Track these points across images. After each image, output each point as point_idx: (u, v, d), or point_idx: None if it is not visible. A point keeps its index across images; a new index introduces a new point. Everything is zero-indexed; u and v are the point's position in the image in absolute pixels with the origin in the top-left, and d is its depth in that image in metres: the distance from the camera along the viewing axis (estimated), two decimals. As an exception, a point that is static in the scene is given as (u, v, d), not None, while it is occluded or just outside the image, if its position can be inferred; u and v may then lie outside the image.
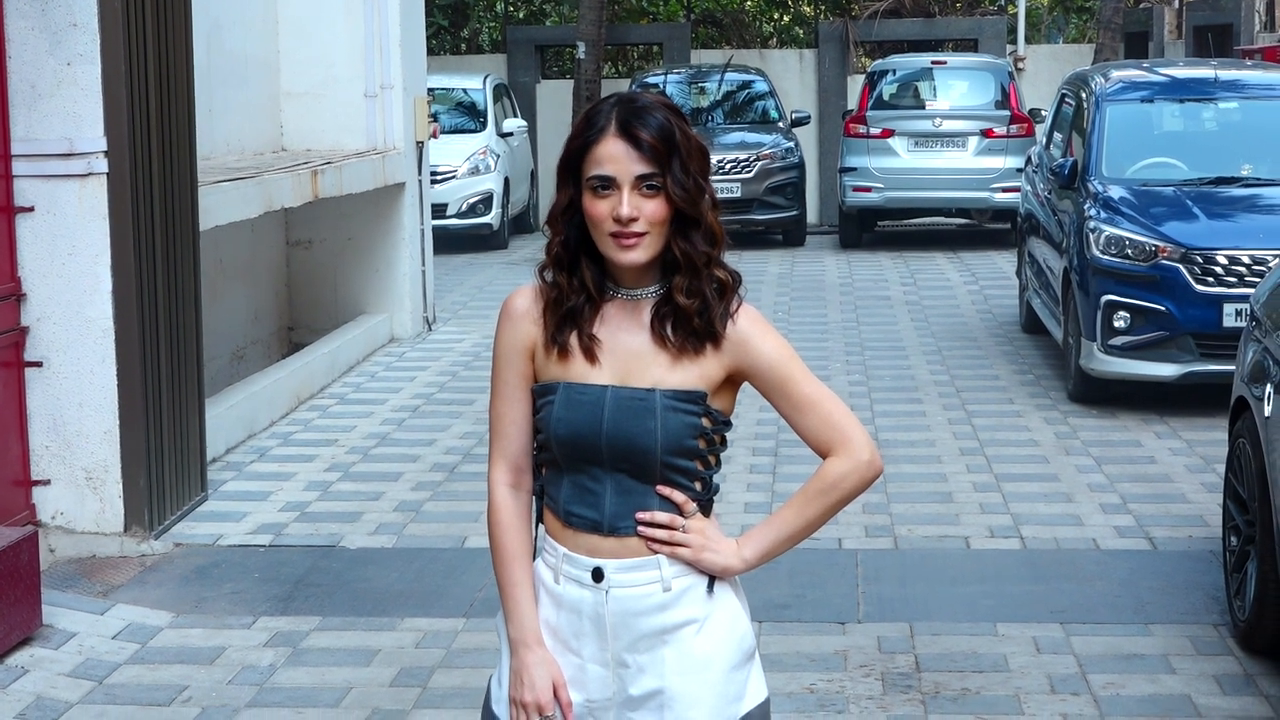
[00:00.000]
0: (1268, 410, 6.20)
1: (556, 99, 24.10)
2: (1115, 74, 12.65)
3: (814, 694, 6.03)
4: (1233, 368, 7.06)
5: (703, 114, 21.06)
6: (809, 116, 21.86)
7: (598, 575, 3.22)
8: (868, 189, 19.30)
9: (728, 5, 30.25)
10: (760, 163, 19.71)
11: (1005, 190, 18.54)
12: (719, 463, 3.28)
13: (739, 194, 19.23)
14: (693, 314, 3.18)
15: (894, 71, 20.82)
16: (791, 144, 20.38)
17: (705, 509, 3.26)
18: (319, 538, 8.04)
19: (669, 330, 3.19)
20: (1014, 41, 25.50)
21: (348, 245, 13.29)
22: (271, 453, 9.70)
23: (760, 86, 21.76)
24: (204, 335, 8.65)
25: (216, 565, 7.63)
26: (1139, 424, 10.16)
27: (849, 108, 21.55)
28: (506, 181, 20.17)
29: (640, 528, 3.20)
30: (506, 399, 3.29)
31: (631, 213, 3.12)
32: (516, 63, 24.91)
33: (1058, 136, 12.96)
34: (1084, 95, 12.20)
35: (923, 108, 20.12)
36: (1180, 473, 9.03)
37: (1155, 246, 10.23)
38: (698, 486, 3.24)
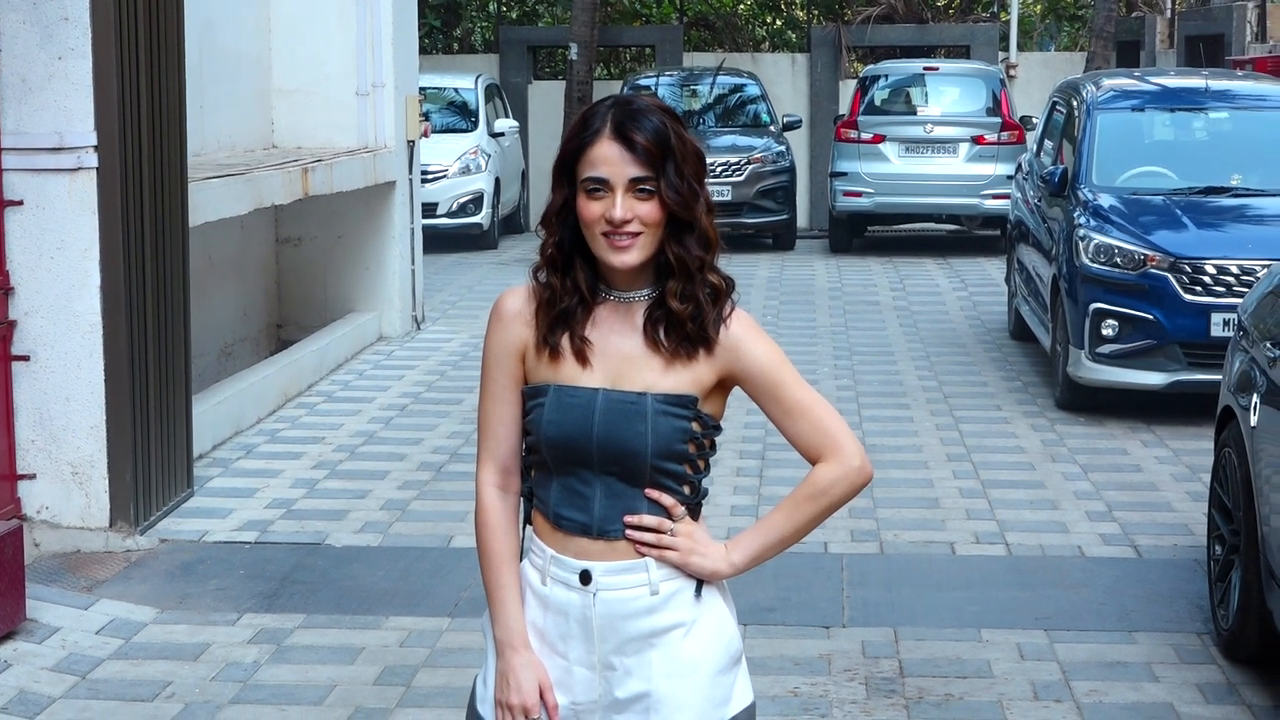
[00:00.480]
0: (1254, 420, 6.21)
1: (548, 100, 24.11)
2: (1106, 82, 12.67)
3: (798, 698, 6.04)
4: (1220, 377, 7.07)
5: (694, 117, 21.06)
6: (800, 120, 21.88)
7: (585, 578, 3.22)
8: (858, 194, 19.32)
9: (720, 8, 30.26)
10: (751, 166, 19.72)
11: (995, 197, 18.56)
12: (708, 467, 3.29)
13: (729, 197, 19.23)
14: (685, 319, 3.18)
15: (886, 77, 20.83)
16: (783, 148, 20.39)
17: (694, 513, 3.26)
18: (305, 535, 8.04)
19: (661, 334, 3.19)
20: (1006, 48, 25.53)
21: (337, 243, 13.28)
22: (258, 450, 9.69)
23: (752, 90, 21.77)
24: (192, 331, 8.64)
25: (202, 561, 7.63)
26: (1126, 432, 10.18)
27: (840, 112, 21.58)
28: (497, 181, 20.17)
29: (628, 531, 3.20)
30: (496, 400, 3.28)
31: (624, 215, 3.13)
32: (509, 63, 24.91)
33: (1048, 144, 12.98)
34: (1075, 103, 12.21)
35: (914, 113, 20.14)
36: (1166, 481, 9.05)
37: (1144, 255, 10.25)
38: (686, 490, 3.24)
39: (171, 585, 7.30)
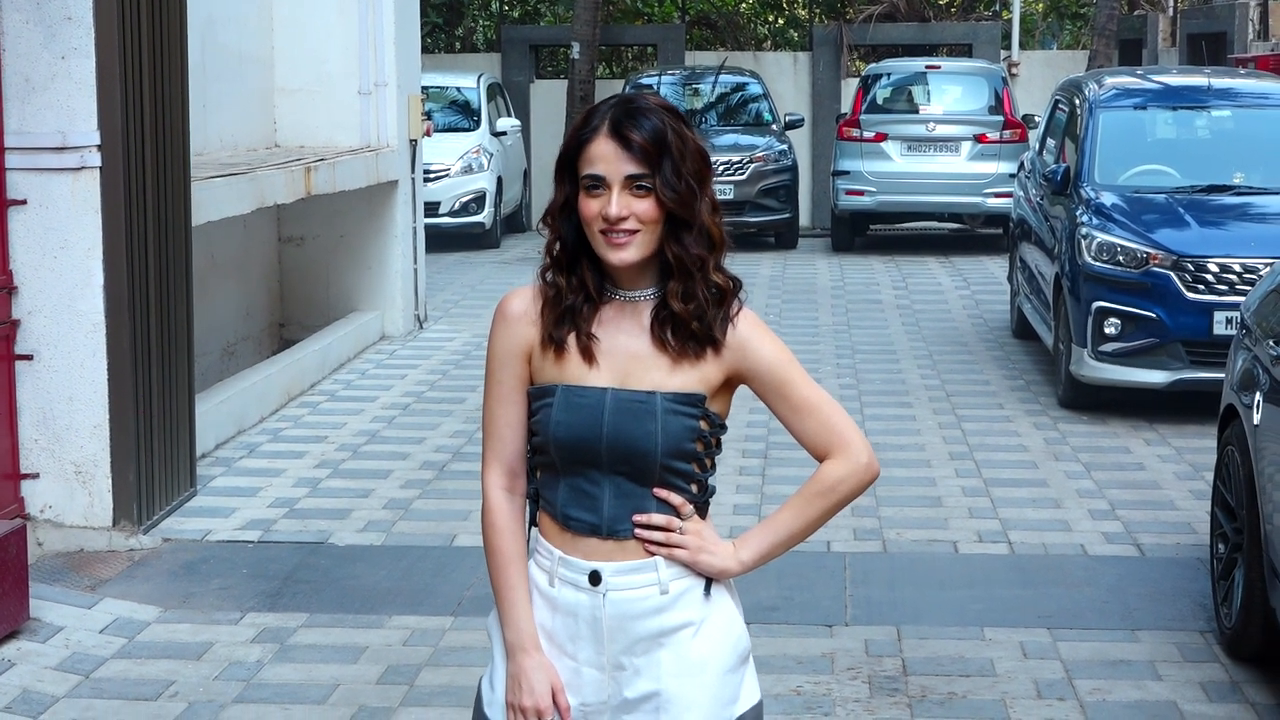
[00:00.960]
0: (1257, 418, 6.21)
1: (550, 99, 24.11)
2: (1109, 81, 12.67)
3: (801, 696, 6.04)
4: (1222, 375, 7.07)
5: (696, 116, 21.05)
6: (802, 119, 21.87)
7: (595, 578, 3.21)
8: (860, 192, 19.32)
9: (722, 7, 30.26)
10: (753, 165, 19.72)
11: (998, 195, 18.56)
12: (714, 465, 3.29)
13: (732, 196, 19.23)
14: (689, 319, 3.18)
15: (888, 75, 20.83)
16: (785, 146, 20.39)
17: (701, 511, 3.26)
18: (308, 534, 8.04)
19: (669, 335, 3.19)
20: (1008, 47, 25.52)
21: (340, 242, 13.29)
22: (261, 449, 9.69)
23: (754, 89, 21.77)
24: (195, 330, 8.64)
25: (205, 561, 7.63)
26: (1128, 430, 10.18)
27: (843, 111, 21.56)
28: (499, 180, 20.18)
29: (637, 530, 3.20)
30: (501, 401, 3.28)
31: (620, 212, 3.13)
32: (511, 62, 24.90)
33: (1051, 142, 12.97)
34: (1077, 101, 12.21)
35: (916, 112, 20.14)
36: (1169, 480, 9.05)
37: (1147, 253, 10.25)
38: (694, 489, 3.24)
39: (174, 584, 7.30)
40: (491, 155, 20.06)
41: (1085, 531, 8.10)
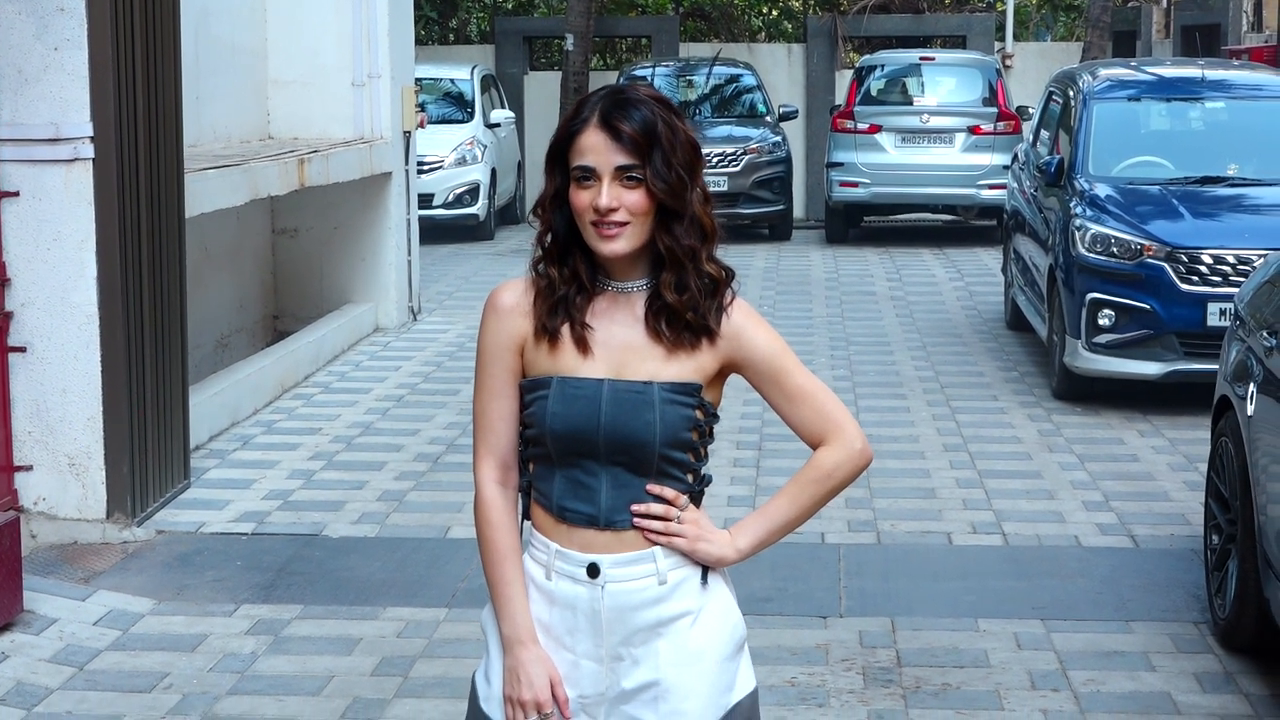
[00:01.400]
0: (1250, 409, 6.21)
1: (544, 90, 24.09)
2: (1103, 72, 12.67)
3: (795, 687, 6.04)
4: (1216, 367, 7.08)
5: (690, 107, 21.04)
6: (797, 111, 21.86)
7: (593, 571, 3.21)
8: (854, 184, 19.31)
9: (716, -1, 30.25)
10: (747, 157, 19.71)
11: (992, 187, 18.56)
12: (708, 455, 3.29)
13: (726, 188, 19.22)
14: (683, 310, 3.18)
15: (882, 67, 20.81)
16: (779, 138, 20.38)
17: (696, 500, 3.26)
18: (302, 526, 8.03)
19: (663, 325, 3.19)
20: (1002, 39, 25.52)
21: (334, 234, 13.28)
22: (255, 441, 9.69)
23: (748, 80, 21.76)
24: (189, 322, 8.63)
25: (199, 553, 7.63)
26: (1122, 422, 10.18)
27: (837, 103, 21.56)
28: (493, 172, 20.16)
29: (636, 519, 3.20)
30: (494, 395, 3.27)
31: (610, 203, 3.12)
32: (504, 54, 24.88)
33: (1045, 134, 12.97)
34: (1071, 93, 12.21)
35: (910, 104, 20.14)
36: (1163, 471, 9.05)
37: (1141, 245, 10.25)
38: (690, 478, 3.24)
39: (169, 576, 7.30)
40: (485, 147, 20.05)
41: (1079, 523, 8.10)
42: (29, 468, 7.68)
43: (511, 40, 25.18)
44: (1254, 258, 9.83)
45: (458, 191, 19.52)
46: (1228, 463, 6.51)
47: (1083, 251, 10.46)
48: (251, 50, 12.82)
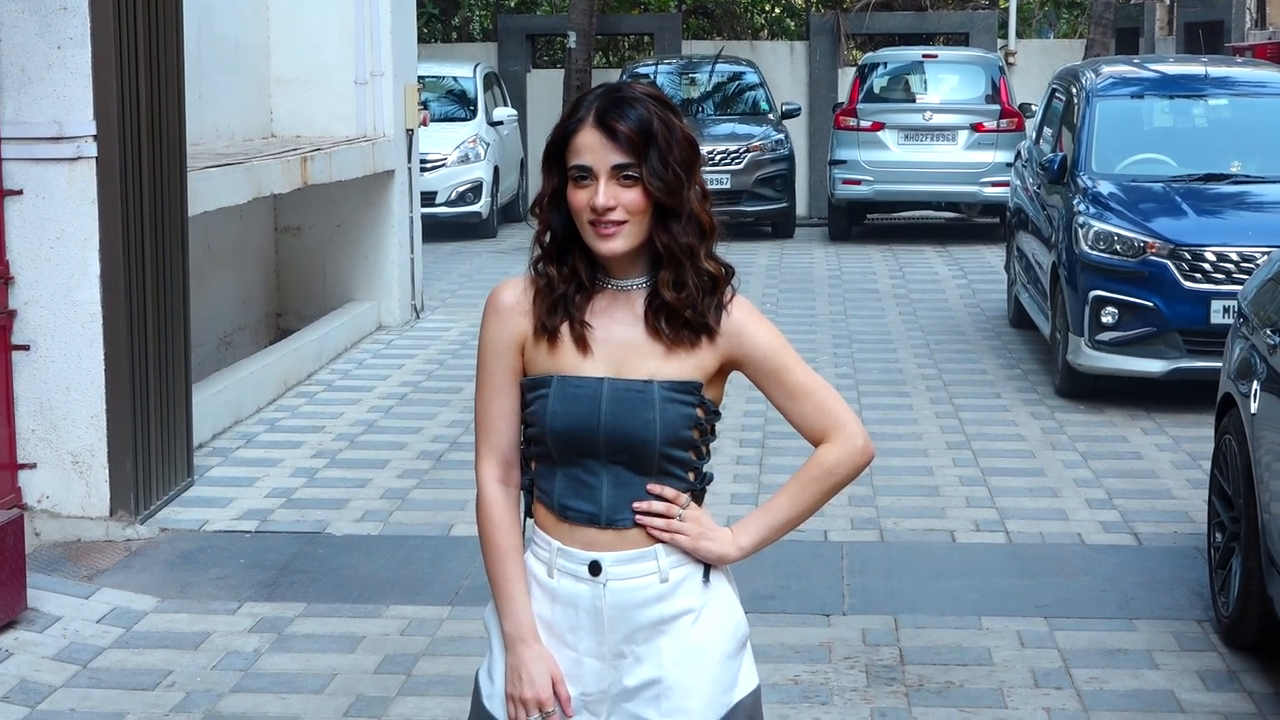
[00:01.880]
0: (1254, 407, 6.21)
1: (547, 88, 24.08)
2: (1106, 69, 12.65)
3: (798, 685, 6.04)
4: (1220, 364, 7.07)
5: (693, 105, 21.04)
6: (799, 108, 21.86)
7: (595, 569, 3.21)
8: (857, 182, 19.32)
9: (719, -4, 30.23)
10: (750, 154, 19.70)
11: (994, 185, 18.56)
12: (710, 453, 3.29)
13: (728, 185, 19.23)
14: (682, 308, 3.18)
15: (885, 65, 20.80)
16: (781, 136, 20.37)
17: (698, 499, 3.26)
18: (305, 524, 8.04)
19: (662, 323, 3.19)
20: (1005, 36, 25.50)
21: (337, 232, 13.28)
22: (258, 439, 9.69)
23: (751, 78, 21.75)
24: (192, 321, 8.64)
25: (202, 551, 7.63)
26: (1126, 420, 10.18)
27: (839, 100, 21.54)
28: (496, 170, 20.16)
29: (639, 516, 3.20)
30: (495, 393, 3.27)
31: (607, 202, 3.12)
32: (507, 51, 24.88)
33: (1048, 131, 12.97)
34: (1074, 90, 12.20)
35: (913, 101, 20.13)
36: (1166, 469, 9.05)
37: (1144, 242, 10.24)
38: (691, 476, 3.24)
39: (172, 574, 7.30)
40: (488, 145, 20.04)
41: (1082, 521, 8.10)
42: (33, 466, 7.68)
43: (514, 38, 25.18)
44: (1257, 255, 9.83)
45: (460, 189, 19.52)
46: (1231, 460, 6.51)
47: (1086, 249, 10.45)
48: (254, 48, 12.82)
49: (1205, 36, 23.19)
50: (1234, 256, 10.02)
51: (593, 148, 3.13)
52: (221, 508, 8.25)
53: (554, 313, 3.20)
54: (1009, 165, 15.78)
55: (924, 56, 21.00)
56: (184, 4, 8.45)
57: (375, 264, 13.33)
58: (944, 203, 20.12)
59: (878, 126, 19.39)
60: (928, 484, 8.75)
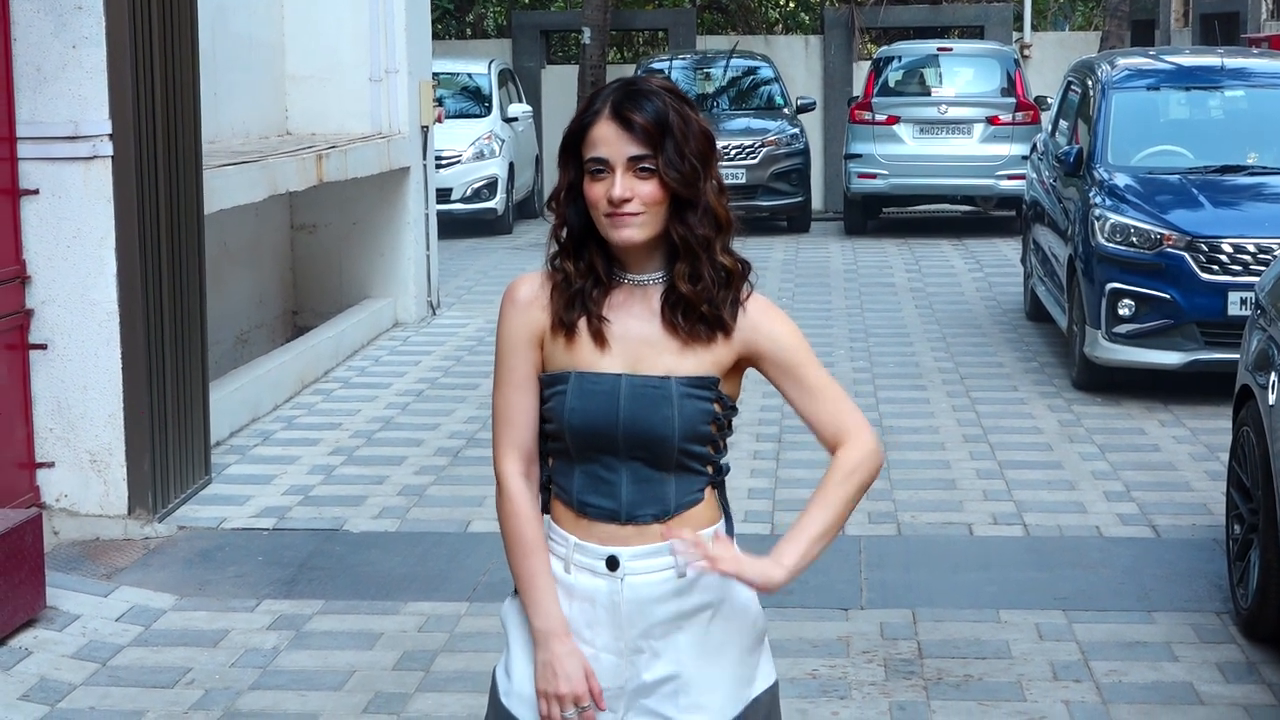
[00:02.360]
0: (1272, 399, 6.20)
1: (561, 84, 24.10)
2: (1121, 62, 12.63)
3: (816, 679, 6.04)
4: (1237, 356, 7.05)
5: (708, 100, 21.04)
6: (814, 103, 21.84)
7: (612, 564, 3.20)
8: (873, 175, 19.29)
9: (733, -9, 30.22)
10: (765, 149, 19.70)
11: (1010, 178, 18.53)
12: (727, 447, 3.28)
13: (744, 180, 19.21)
14: (699, 301, 3.17)
15: (900, 58, 20.78)
16: (796, 130, 20.36)
17: (718, 488, 3.26)
18: (322, 521, 8.05)
19: (679, 318, 3.18)
20: (1020, 29, 25.47)
21: (352, 229, 13.29)
22: (275, 436, 9.70)
23: (765, 72, 21.75)
24: (208, 318, 8.65)
25: (220, 548, 7.64)
26: (1143, 412, 10.16)
27: (854, 94, 21.55)
28: (511, 166, 20.17)
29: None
30: (515, 387, 3.26)
31: (624, 193, 3.12)
32: (521, 48, 24.89)
33: (1064, 124, 12.95)
34: (1090, 83, 12.18)
35: (928, 94, 20.10)
36: (1184, 461, 9.03)
37: (1160, 234, 10.22)
38: (709, 470, 3.23)
39: (190, 572, 7.31)
40: (503, 141, 20.06)
41: (1100, 513, 8.09)
42: (51, 464, 7.70)
43: (528, 34, 25.19)
44: (1275, 246, 9.81)
45: (476, 186, 19.53)
46: (1249, 452, 6.49)
47: (1102, 241, 10.43)
48: (269, 46, 12.83)
49: (1221, 28, 23.14)
50: (1251, 248, 10.00)
51: (609, 140, 3.13)
52: (239, 505, 8.26)
53: (571, 308, 3.20)
54: (1025, 158, 15.76)
55: (939, 50, 20.96)
56: (198, 2, 8.46)
57: (391, 261, 13.34)
58: (960, 196, 20.09)
59: (893, 120, 19.37)
60: (945, 477, 8.74)
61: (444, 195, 17.86)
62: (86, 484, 7.71)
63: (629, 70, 23.65)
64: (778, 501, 8.17)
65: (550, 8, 29.78)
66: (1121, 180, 10.92)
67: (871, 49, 25.70)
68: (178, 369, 8.05)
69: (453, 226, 18.32)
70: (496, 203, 19.68)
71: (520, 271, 3.41)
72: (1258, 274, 9.10)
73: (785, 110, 20.97)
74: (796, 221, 20.19)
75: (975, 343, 12.50)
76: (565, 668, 3.18)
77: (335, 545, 7.70)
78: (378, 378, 11.41)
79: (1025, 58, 23.83)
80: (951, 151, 19.25)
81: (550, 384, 3.21)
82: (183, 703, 5.90)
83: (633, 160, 3.12)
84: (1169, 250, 10.16)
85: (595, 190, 3.14)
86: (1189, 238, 10.13)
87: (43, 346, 7.62)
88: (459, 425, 9.96)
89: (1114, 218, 10.46)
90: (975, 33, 25.74)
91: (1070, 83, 13.09)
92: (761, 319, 3.22)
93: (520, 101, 21.72)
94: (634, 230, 3.14)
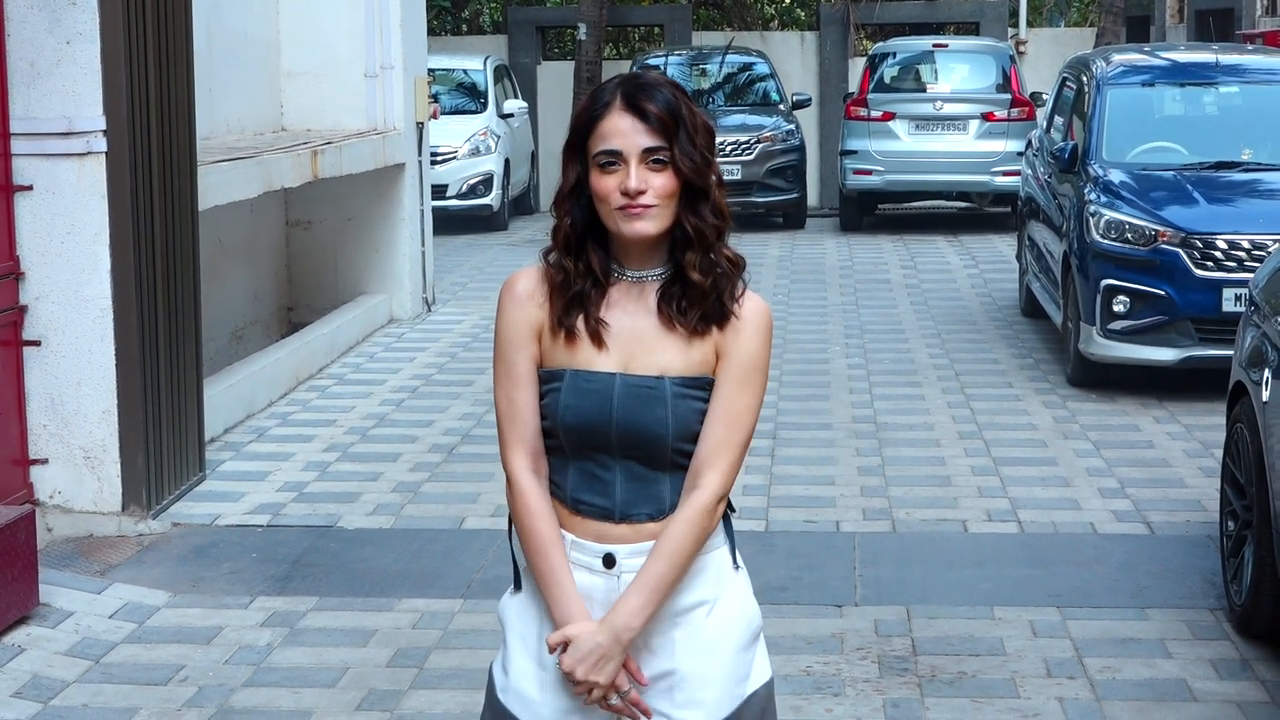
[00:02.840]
0: (1266, 395, 6.20)
1: (557, 80, 24.07)
2: (1116, 58, 12.63)
3: (810, 676, 6.04)
4: (1231, 352, 7.06)
5: (703, 96, 21.02)
6: (810, 99, 21.82)
7: (609, 561, 3.21)
8: (868, 172, 19.29)
9: (729, -13, 30.20)
10: (761, 145, 19.69)
11: (1006, 174, 18.52)
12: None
13: (739, 176, 19.20)
14: (707, 291, 3.16)
15: (895, 54, 20.78)
16: (792, 126, 20.36)
17: None
18: (317, 518, 8.04)
19: (678, 310, 3.17)
20: (1015, 25, 25.47)
21: (347, 226, 13.29)
22: (270, 433, 9.70)
23: (761, 69, 21.73)
24: (203, 315, 8.64)
25: (214, 545, 7.64)
26: (1138, 408, 10.16)
27: (850, 90, 21.53)
28: (507, 163, 20.15)
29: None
30: (518, 383, 3.24)
31: (640, 185, 3.10)
32: (517, 44, 24.87)
33: (1058, 120, 12.95)
34: (1085, 79, 12.18)
35: (924, 91, 20.10)
36: (1178, 457, 9.03)
37: (1155, 231, 10.22)
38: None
39: (184, 569, 7.31)
40: (499, 137, 20.04)
41: (1095, 510, 8.09)
42: (44, 461, 7.69)
43: (524, 30, 25.17)
44: (1269, 243, 9.81)
45: (471, 182, 19.52)
46: (1243, 448, 6.50)
47: (1097, 238, 10.43)
48: (264, 42, 12.83)
49: (1216, 24, 23.14)
50: (1245, 244, 10.00)
51: (623, 131, 3.11)
52: (233, 502, 8.25)
53: (571, 310, 3.19)
54: (1020, 154, 15.75)
55: (934, 46, 20.96)
56: (193, -2, 8.45)
57: (386, 257, 13.34)
58: (955, 192, 20.10)
59: (888, 116, 19.37)
60: (940, 474, 8.74)
61: (439, 191, 17.86)
62: (80, 480, 7.70)
63: (625, 66, 23.62)
64: (772, 498, 8.17)
65: (546, 4, 29.76)
66: (1116, 176, 10.92)
67: (867, 45, 25.70)
68: (172, 365, 8.05)
69: (448, 223, 18.31)
70: (492, 199, 19.67)
71: (516, 267, 3.41)
72: (1252, 270, 9.10)
73: (781, 106, 20.97)
74: (792, 218, 20.19)
75: (970, 339, 12.50)
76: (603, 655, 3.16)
77: (329, 542, 7.69)
78: (373, 374, 11.41)
79: (1020, 54, 23.82)
80: (947, 148, 19.25)
81: (546, 381, 3.22)
82: (176, 700, 5.89)
83: (647, 152, 3.11)
84: (1164, 247, 10.16)
85: (606, 183, 3.12)
86: (1184, 234, 10.13)
87: (36, 343, 7.61)
88: (454, 422, 9.96)
89: (1109, 214, 10.46)
90: (970, 29, 25.74)
91: (1065, 79, 13.09)
92: (745, 325, 3.20)
93: (516, 98, 21.70)
94: (647, 223, 3.13)
